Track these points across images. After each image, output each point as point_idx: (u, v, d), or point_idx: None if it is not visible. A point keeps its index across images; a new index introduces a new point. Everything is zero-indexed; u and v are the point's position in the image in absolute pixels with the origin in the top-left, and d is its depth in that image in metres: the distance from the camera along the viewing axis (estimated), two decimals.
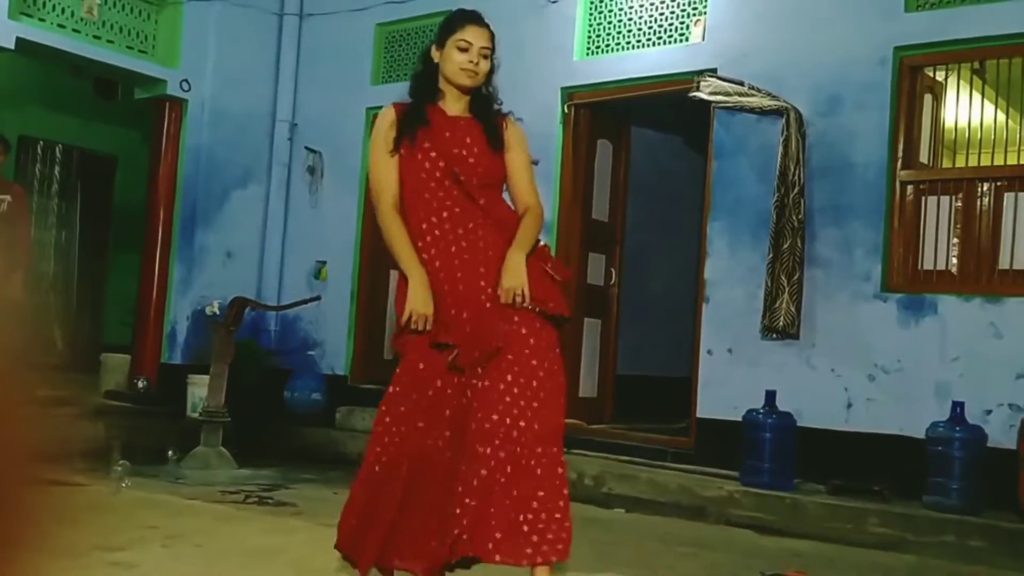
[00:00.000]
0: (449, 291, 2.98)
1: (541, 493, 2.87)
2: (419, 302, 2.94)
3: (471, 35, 3.09)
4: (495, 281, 2.97)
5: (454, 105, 3.14)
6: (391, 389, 3.05)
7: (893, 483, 5.24)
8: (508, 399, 2.90)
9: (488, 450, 2.87)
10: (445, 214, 3.03)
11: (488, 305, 2.96)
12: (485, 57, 3.10)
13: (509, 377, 2.91)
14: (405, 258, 3.00)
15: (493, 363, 2.93)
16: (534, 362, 2.94)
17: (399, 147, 3.06)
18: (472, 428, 2.91)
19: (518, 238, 3.01)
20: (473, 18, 3.16)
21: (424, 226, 3.03)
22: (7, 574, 0.73)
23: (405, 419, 2.99)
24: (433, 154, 3.05)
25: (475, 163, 3.06)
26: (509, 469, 2.87)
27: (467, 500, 2.87)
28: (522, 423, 2.88)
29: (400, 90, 9.07)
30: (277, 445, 7.32)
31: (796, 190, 5.78)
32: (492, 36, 3.14)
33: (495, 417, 2.88)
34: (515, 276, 2.94)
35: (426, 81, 3.16)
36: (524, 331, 2.95)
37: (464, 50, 3.08)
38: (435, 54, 3.16)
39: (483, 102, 3.17)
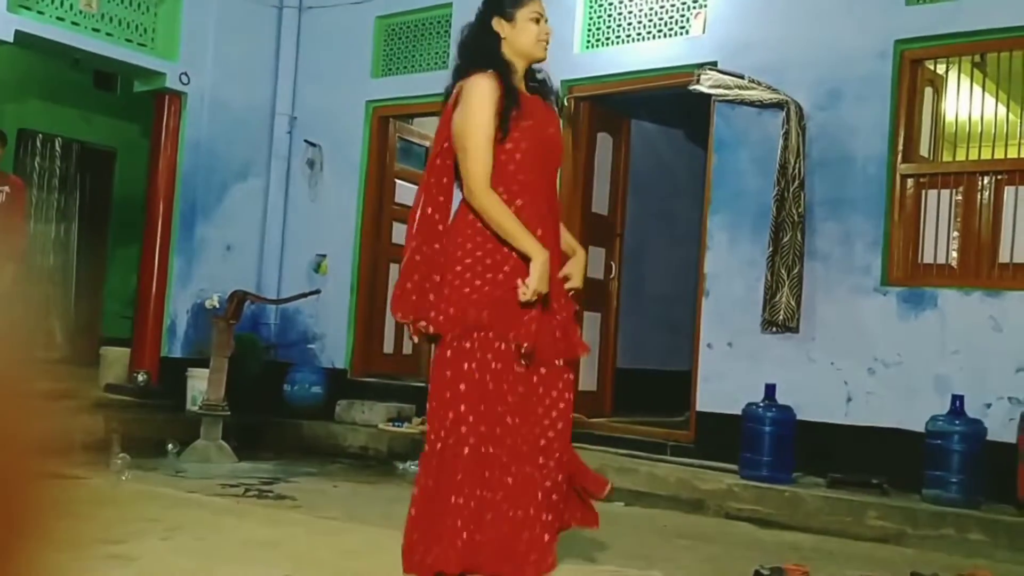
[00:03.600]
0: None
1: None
2: (545, 281, 2.89)
3: (540, 6, 3.04)
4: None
5: (519, 81, 3.07)
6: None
7: (892, 476, 5.25)
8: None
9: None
10: (541, 199, 2.99)
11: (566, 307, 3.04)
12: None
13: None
14: (527, 237, 2.92)
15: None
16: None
17: (504, 126, 2.94)
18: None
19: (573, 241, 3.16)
20: None
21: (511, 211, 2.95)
22: (10, 567, 0.73)
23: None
24: (530, 134, 2.98)
25: (559, 149, 3.09)
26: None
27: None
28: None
29: (402, 83, 8.95)
30: (277, 438, 7.33)
31: (796, 183, 5.78)
32: None
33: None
34: (583, 277, 3.10)
35: (498, 55, 3.01)
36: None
37: (537, 22, 3.02)
38: (500, 27, 3.02)
39: (535, 77, 3.14)
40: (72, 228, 10.86)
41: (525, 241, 2.88)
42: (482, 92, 2.92)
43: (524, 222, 2.91)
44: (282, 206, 8.57)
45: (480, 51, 3.02)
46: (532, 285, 2.84)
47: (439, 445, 2.94)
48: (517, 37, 2.99)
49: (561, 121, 3.18)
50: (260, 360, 7.97)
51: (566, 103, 7.01)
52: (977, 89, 5.86)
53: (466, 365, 2.90)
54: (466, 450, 2.92)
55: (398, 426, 7.10)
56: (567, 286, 2.99)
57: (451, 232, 2.99)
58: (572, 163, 7.12)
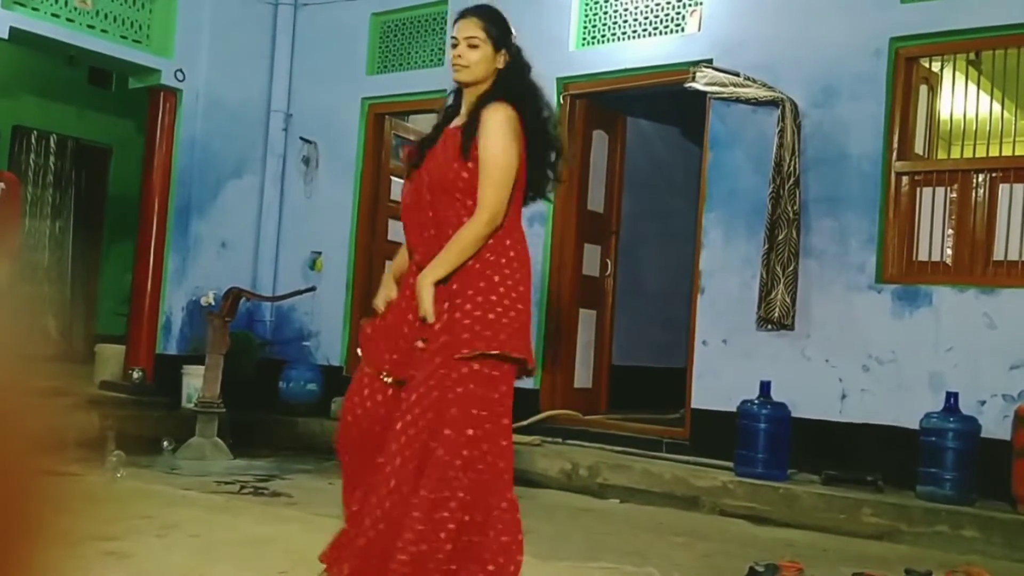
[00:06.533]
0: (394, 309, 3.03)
1: None
2: (376, 298, 3.12)
3: (456, 30, 3.05)
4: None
5: (469, 105, 3.08)
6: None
7: (887, 473, 5.26)
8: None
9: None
10: (412, 229, 3.04)
11: (405, 330, 2.96)
12: (474, 47, 3.01)
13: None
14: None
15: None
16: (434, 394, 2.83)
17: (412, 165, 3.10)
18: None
19: (435, 258, 2.87)
20: (461, 14, 3.11)
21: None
22: (6, 564, 0.73)
23: None
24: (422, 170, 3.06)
25: (432, 170, 2.97)
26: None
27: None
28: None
29: (396, 80, 8.95)
30: (272, 436, 7.33)
31: (791, 181, 5.78)
32: (483, 25, 3.04)
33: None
34: (420, 303, 2.85)
35: (456, 92, 3.15)
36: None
37: (454, 46, 3.05)
38: None
39: (487, 99, 3.04)
40: (67, 225, 10.85)
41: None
42: None
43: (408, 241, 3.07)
44: (277, 203, 8.56)
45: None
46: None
47: None
48: None
49: (461, 155, 2.96)
50: (255, 357, 7.96)
51: (561, 101, 7.02)
52: (972, 87, 5.87)
53: None
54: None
55: None
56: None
57: None
58: (567, 161, 7.12)
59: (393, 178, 8.44)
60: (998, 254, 5.47)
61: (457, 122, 3.05)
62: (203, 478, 5.66)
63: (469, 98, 3.06)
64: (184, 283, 8.05)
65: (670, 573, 3.91)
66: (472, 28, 3.04)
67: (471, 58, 3.02)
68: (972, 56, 5.82)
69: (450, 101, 3.17)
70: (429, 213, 2.96)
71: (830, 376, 5.73)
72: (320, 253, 8.32)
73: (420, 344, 2.87)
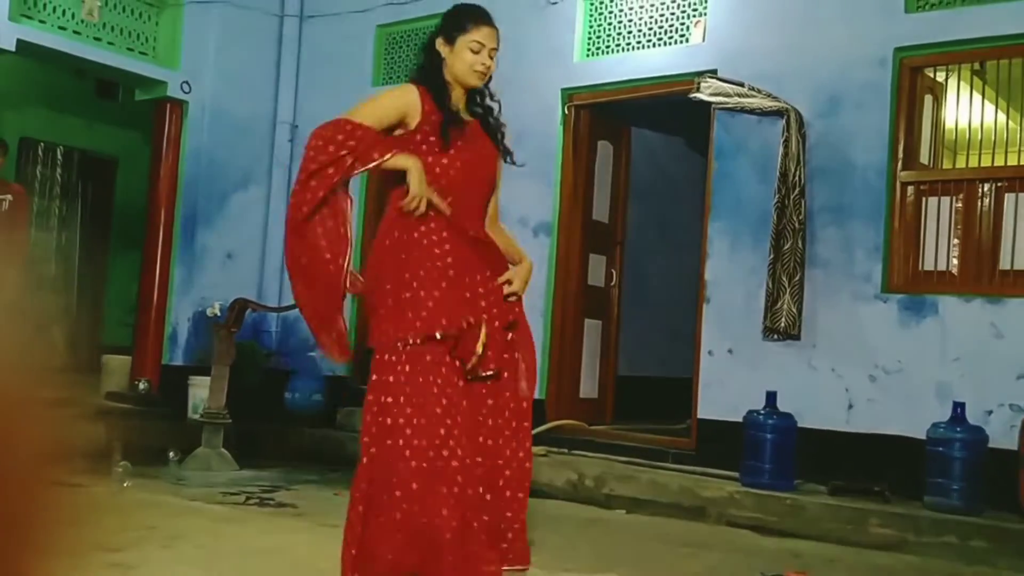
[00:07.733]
0: (469, 294, 3.00)
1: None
2: (424, 197, 2.90)
3: (484, 36, 3.08)
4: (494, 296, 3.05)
5: (457, 102, 3.14)
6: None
7: (894, 484, 5.24)
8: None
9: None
10: (464, 217, 3.03)
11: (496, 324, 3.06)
12: (492, 57, 3.11)
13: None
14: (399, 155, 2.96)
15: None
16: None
17: (429, 136, 3.01)
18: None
19: (521, 251, 3.23)
20: (485, 18, 3.14)
21: (437, 226, 2.98)
22: (14, 574, 0.73)
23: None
24: (453, 153, 3.03)
25: (491, 168, 3.13)
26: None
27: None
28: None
29: None
30: (278, 446, 7.33)
31: (797, 191, 5.78)
32: (498, 35, 3.15)
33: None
34: (522, 285, 3.11)
35: (436, 76, 3.10)
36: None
37: (476, 52, 3.07)
38: (442, 48, 3.11)
39: (483, 101, 3.18)
40: (73, 236, 10.88)
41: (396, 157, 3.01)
42: (392, 92, 3.12)
43: (447, 236, 2.99)
44: (283, 214, 8.56)
45: (421, 68, 3.16)
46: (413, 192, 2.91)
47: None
48: (454, 62, 3.08)
49: (498, 155, 3.20)
50: (261, 368, 7.97)
51: (566, 112, 7.03)
52: (977, 97, 5.87)
53: None
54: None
55: None
56: (506, 291, 3.03)
57: None
58: (572, 171, 7.14)
59: None
60: (1004, 264, 5.46)
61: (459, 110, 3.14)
62: (209, 489, 5.66)
63: (461, 91, 3.14)
64: (190, 294, 8.07)
65: None
66: (496, 39, 3.13)
67: (492, 67, 3.13)
68: (977, 66, 5.82)
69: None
70: (469, 196, 3.09)
71: (836, 386, 5.72)
72: None
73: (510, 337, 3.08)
